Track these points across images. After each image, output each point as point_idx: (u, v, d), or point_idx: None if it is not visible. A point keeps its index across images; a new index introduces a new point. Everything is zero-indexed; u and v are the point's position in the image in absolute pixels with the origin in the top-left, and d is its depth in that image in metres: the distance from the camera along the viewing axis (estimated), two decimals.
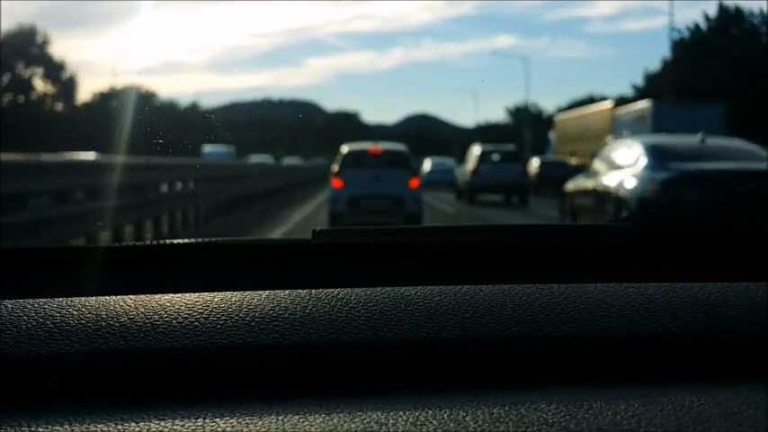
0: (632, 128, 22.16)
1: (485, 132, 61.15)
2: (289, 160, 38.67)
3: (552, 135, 38.80)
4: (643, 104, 23.78)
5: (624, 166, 9.33)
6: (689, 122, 17.31)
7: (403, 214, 12.46)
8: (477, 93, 68.62)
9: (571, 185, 11.50)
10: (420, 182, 13.49)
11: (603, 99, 43.76)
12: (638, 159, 9.08)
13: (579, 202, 10.76)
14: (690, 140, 9.87)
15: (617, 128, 24.56)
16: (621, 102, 30.11)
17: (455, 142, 54.89)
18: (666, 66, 38.14)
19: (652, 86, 38.55)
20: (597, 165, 10.39)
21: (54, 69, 47.63)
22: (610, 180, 9.51)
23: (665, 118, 20.95)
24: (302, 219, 15.45)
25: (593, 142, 26.03)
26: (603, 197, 9.54)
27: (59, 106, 48.37)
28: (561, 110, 48.18)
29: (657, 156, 8.95)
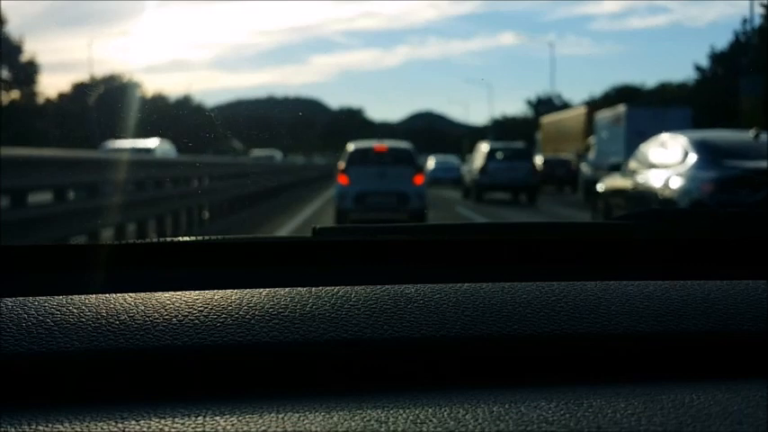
0: (609, 129, 27.52)
1: (500, 127, 61.76)
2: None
3: (538, 136, 45.01)
4: (618, 108, 27.87)
5: (669, 165, 9.26)
6: (659, 124, 19.76)
7: (407, 210, 13.78)
8: (491, 86, 69.94)
9: (606, 185, 11.49)
10: (424, 179, 14.77)
11: (642, 88, 47.25)
12: (685, 157, 9.04)
13: (616, 203, 10.69)
14: (741, 136, 9.80)
15: (597, 129, 29.18)
16: (595, 106, 36.74)
17: (467, 138, 55.55)
18: (738, 41, 38.81)
19: (721, 65, 40.25)
20: (634, 163, 10.36)
21: (11, 52, 46.68)
22: (652, 179, 9.44)
23: (638, 120, 24.45)
24: None
25: (571, 143, 34.58)
26: (646, 198, 9.45)
27: (16, 94, 47.55)
28: (592, 101, 50.42)
29: (708, 153, 8.87)
